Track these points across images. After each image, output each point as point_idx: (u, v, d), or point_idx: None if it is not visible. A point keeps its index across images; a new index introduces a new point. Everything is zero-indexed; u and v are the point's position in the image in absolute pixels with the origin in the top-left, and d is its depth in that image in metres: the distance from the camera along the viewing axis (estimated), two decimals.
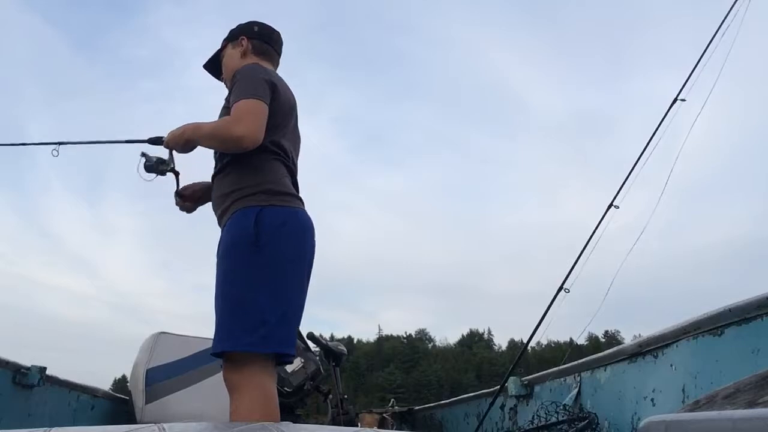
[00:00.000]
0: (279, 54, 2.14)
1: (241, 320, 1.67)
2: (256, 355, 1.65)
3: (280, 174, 1.83)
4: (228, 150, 1.83)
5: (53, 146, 2.12)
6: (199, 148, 1.93)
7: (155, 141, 1.98)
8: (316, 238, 1.92)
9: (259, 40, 2.07)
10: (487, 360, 66.07)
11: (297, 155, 2.00)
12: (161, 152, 2.00)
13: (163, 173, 1.98)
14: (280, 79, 1.99)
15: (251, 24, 2.11)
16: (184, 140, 1.88)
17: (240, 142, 1.72)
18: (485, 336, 77.24)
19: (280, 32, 2.14)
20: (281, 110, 1.85)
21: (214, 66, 2.16)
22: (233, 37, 2.09)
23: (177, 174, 2.01)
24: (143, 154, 1.97)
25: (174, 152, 1.96)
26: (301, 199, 1.88)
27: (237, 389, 1.64)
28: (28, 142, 2.33)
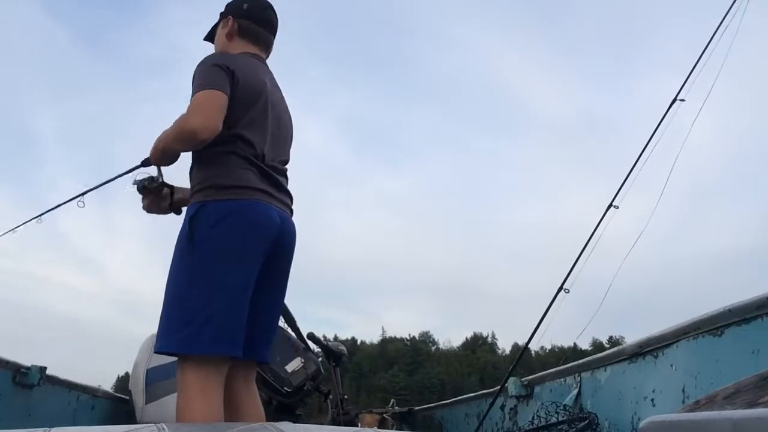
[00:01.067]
0: (273, 34, 1.97)
1: (172, 319, 1.66)
2: (192, 355, 1.63)
3: (232, 166, 1.71)
4: (190, 147, 1.73)
5: (78, 198, 2.09)
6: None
7: (146, 163, 1.91)
8: (293, 231, 1.84)
9: (247, 20, 1.90)
10: (490, 363, 65.89)
11: (276, 144, 1.85)
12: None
13: (154, 190, 1.91)
14: (249, 63, 1.83)
15: (241, 0, 1.93)
16: (160, 151, 1.77)
17: (196, 136, 1.63)
18: (489, 339, 77.17)
19: (275, 9, 1.96)
20: (240, 99, 1.73)
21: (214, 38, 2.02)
22: (223, 14, 1.95)
23: (171, 188, 1.92)
24: (135, 182, 1.90)
25: (161, 167, 1.89)
26: (266, 192, 1.75)
27: (179, 389, 1.65)
28: (54, 206, 2.26)
